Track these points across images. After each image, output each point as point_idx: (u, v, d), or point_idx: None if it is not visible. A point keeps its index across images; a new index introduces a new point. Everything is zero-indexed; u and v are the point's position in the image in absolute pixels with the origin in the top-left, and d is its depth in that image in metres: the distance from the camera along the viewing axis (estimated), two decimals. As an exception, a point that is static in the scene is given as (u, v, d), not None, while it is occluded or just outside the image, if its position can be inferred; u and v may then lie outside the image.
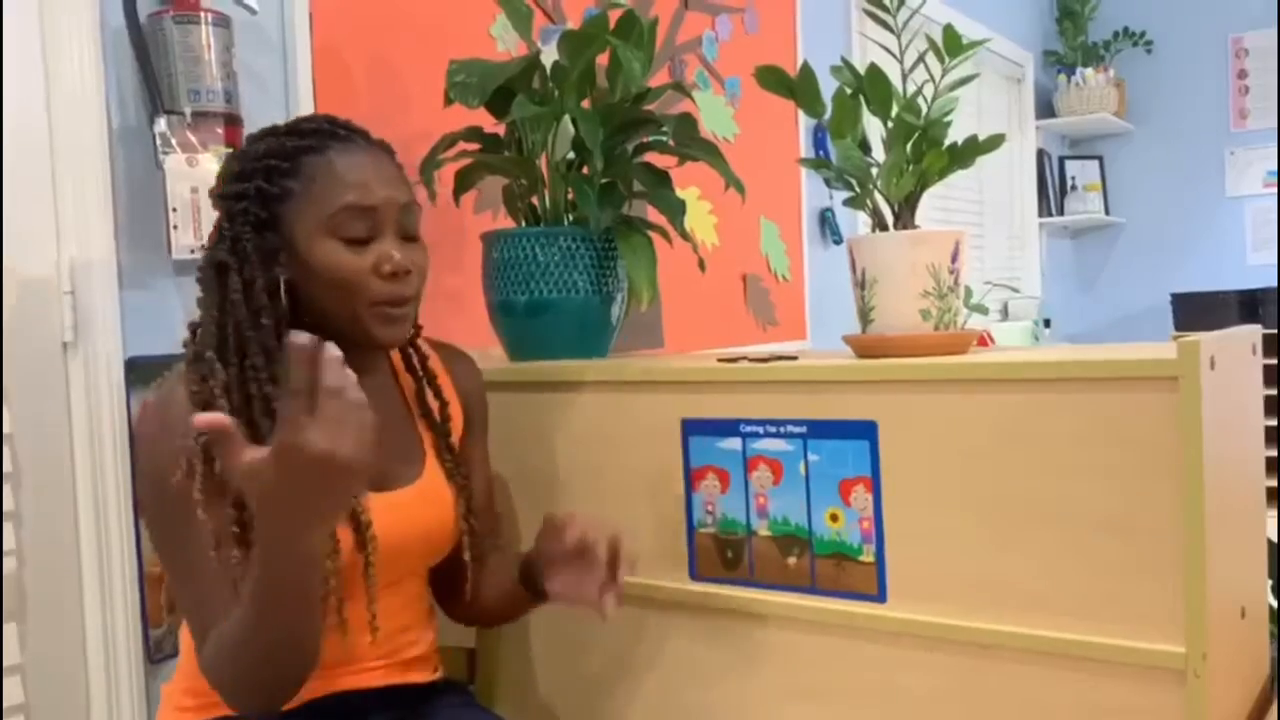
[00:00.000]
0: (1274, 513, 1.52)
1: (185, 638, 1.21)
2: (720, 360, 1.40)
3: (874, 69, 1.37)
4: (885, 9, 1.37)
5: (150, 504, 1.11)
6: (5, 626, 1.41)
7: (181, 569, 1.09)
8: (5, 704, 1.41)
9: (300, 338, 0.87)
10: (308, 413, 0.87)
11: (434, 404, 1.31)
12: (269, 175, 1.14)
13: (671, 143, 1.66)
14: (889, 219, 1.37)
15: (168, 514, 1.08)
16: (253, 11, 1.63)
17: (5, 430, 1.42)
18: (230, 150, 1.29)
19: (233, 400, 1.09)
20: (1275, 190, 4.93)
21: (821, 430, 1.28)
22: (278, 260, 1.15)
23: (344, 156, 1.16)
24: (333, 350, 0.88)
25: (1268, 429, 1.37)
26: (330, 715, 1.18)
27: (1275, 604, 1.41)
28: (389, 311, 1.17)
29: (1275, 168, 4.93)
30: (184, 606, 1.11)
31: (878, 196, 1.38)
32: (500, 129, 1.66)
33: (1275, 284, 4.44)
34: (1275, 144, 4.89)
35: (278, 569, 0.95)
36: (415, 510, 1.22)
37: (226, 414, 0.96)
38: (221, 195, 1.17)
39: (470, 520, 1.29)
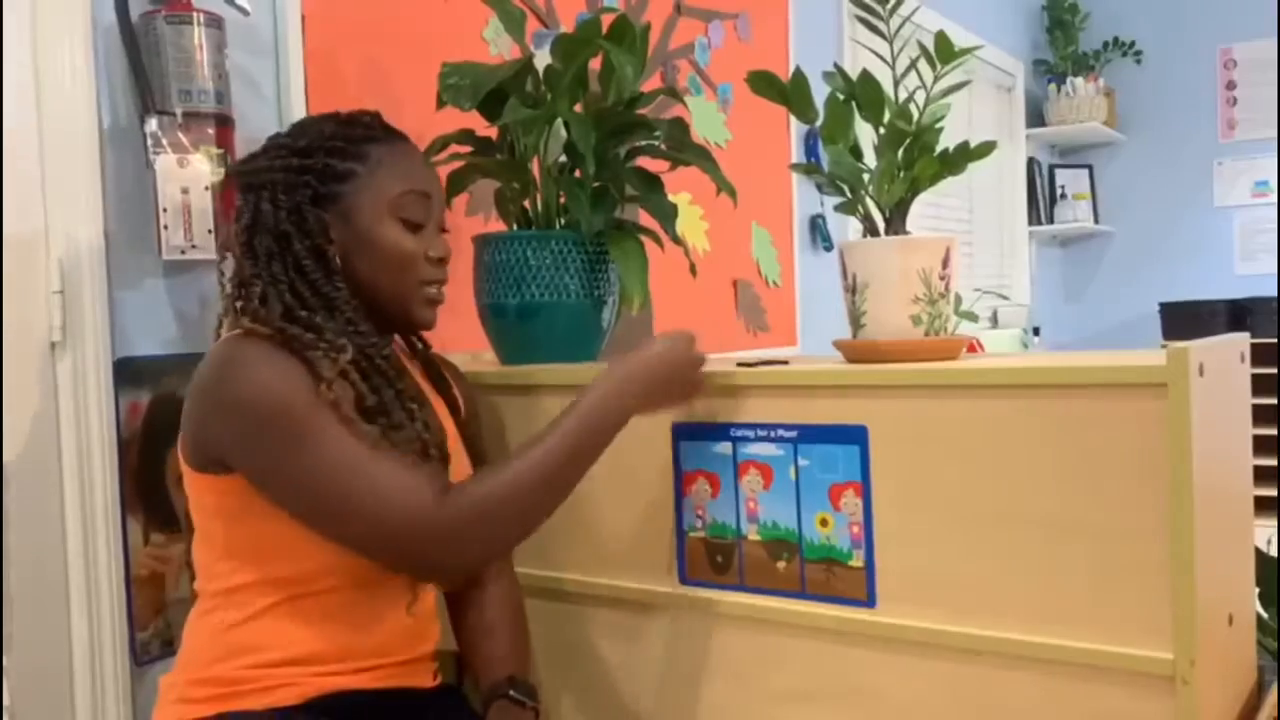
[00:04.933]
0: (1263, 521, 1.52)
1: (195, 625, 1.21)
2: (740, 365, 1.40)
3: (866, 75, 1.38)
4: (878, 14, 1.38)
5: (283, 430, 1.10)
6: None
7: (357, 470, 1.10)
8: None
9: None
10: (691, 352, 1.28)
11: (445, 381, 1.38)
12: (335, 154, 1.23)
13: (664, 147, 1.66)
14: (880, 225, 1.37)
15: (315, 430, 1.10)
16: (245, 12, 1.63)
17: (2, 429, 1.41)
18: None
19: (349, 353, 1.15)
20: (1263, 201, 4.95)
21: (812, 435, 1.28)
22: (331, 233, 1.22)
23: (404, 148, 1.30)
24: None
25: (1256, 437, 1.38)
26: (328, 714, 1.18)
27: (1266, 614, 1.42)
28: (432, 293, 1.29)
29: (1263, 179, 4.95)
30: (374, 498, 1.10)
31: (869, 202, 1.38)
32: (493, 132, 1.66)
33: (1263, 295, 4.46)
34: (1262, 155, 4.91)
35: (599, 424, 1.20)
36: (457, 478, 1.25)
37: (350, 357, 1.14)
38: (280, 168, 1.22)
39: None
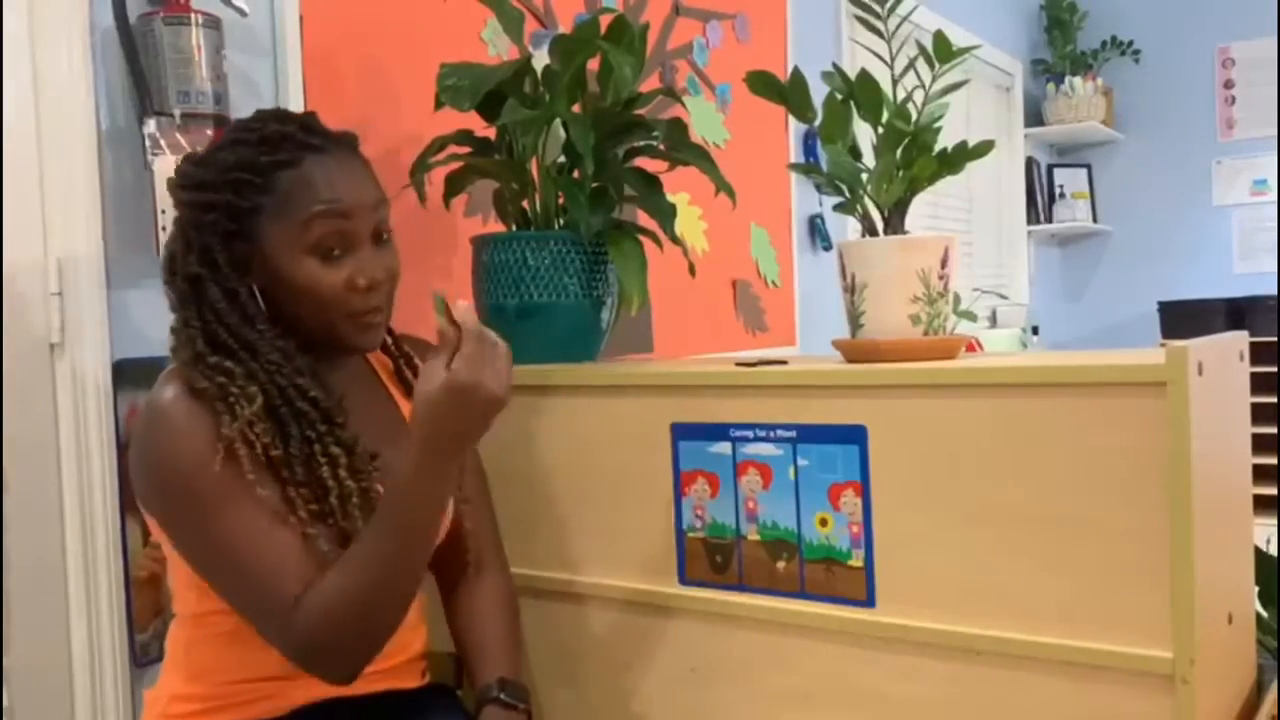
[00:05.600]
0: (1266, 520, 1.52)
1: (177, 641, 1.21)
2: (738, 364, 1.39)
3: (865, 75, 1.38)
4: (876, 14, 1.38)
5: (183, 500, 1.09)
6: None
7: (240, 551, 1.08)
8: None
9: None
10: (461, 357, 1.01)
11: (413, 380, 1.31)
12: (239, 189, 1.13)
13: (662, 147, 1.66)
14: (879, 224, 1.37)
15: (211, 504, 1.07)
16: (243, 13, 1.63)
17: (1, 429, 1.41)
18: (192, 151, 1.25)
19: (265, 391, 1.11)
20: (1261, 200, 4.95)
21: (811, 435, 1.28)
22: (249, 268, 1.16)
23: (318, 169, 1.15)
24: (461, 302, 1.04)
25: (1255, 436, 1.38)
26: None
27: (1265, 613, 1.42)
28: (365, 320, 1.19)
29: (1261, 177, 4.95)
30: (251, 585, 1.09)
31: (868, 202, 1.38)
32: (491, 133, 1.66)
33: (1261, 293, 4.46)
34: (1260, 154, 4.92)
35: (423, 496, 1.06)
36: None
37: (260, 406, 1.08)
38: (187, 203, 1.16)
39: (459, 490, 1.30)
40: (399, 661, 1.25)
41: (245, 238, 1.15)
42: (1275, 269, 4.61)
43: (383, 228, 1.20)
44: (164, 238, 1.51)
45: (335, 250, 1.15)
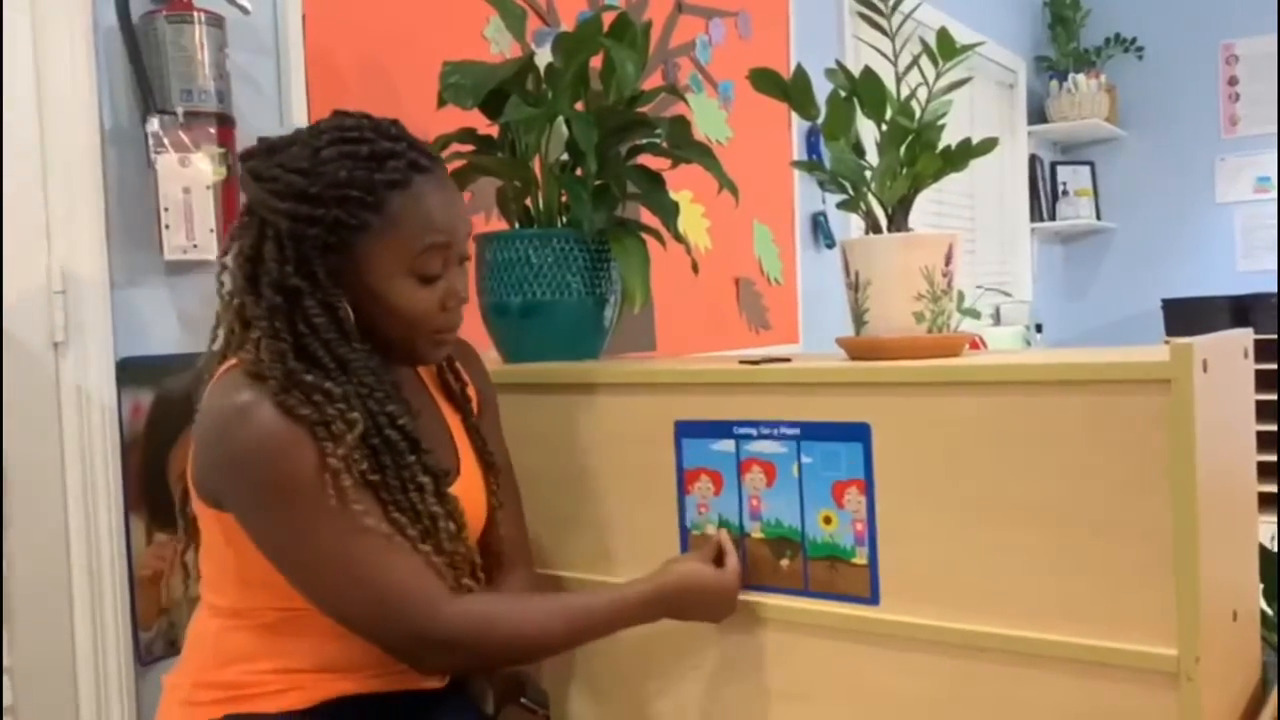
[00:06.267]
0: (1268, 517, 1.52)
1: (206, 629, 1.20)
2: (742, 362, 1.39)
3: (868, 72, 1.37)
4: (879, 11, 1.38)
5: (305, 509, 1.08)
6: (-6, 628, 1.40)
7: (352, 558, 1.09)
8: (-7, 706, 1.40)
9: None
10: (733, 571, 1.30)
11: (455, 385, 1.34)
12: (348, 205, 1.12)
13: (665, 145, 1.66)
14: (882, 222, 1.37)
15: (315, 516, 1.08)
16: (246, 11, 1.63)
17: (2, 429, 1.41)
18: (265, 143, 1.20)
19: (361, 418, 1.11)
20: (1265, 196, 4.94)
21: (815, 432, 1.28)
22: (341, 281, 1.14)
23: (428, 193, 1.16)
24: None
25: (1259, 433, 1.38)
26: (334, 719, 1.18)
27: (1269, 610, 1.41)
28: (443, 337, 1.21)
29: (1264, 174, 4.94)
30: (385, 585, 1.10)
31: (871, 199, 1.38)
32: (494, 131, 1.66)
33: (1265, 290, 4.45)
34: (1263, 151, 4.91)
35: (625, 624, 1.23)
36: (468, 498, 1.24)
37: (358, 432, 1.09)
38: (288, 213, 1.12)
39: (496, 495, 1.32)
40: None
41: (341, 251, 1.13)
42: (1277, 266, 4.60)
43: (466, 251, 1.23)
44: (167, 236, 1.52)
45: (437, 274, 1.17)
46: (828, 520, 1.28)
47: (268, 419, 1.07)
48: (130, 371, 1.54)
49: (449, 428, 1.30)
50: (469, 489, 1.26)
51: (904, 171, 1.35)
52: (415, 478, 1.15)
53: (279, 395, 1.08)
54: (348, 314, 1.14)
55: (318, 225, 1.11)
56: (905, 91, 1.37)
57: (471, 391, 1.36)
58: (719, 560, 1.32)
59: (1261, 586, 1.40)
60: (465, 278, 1.23)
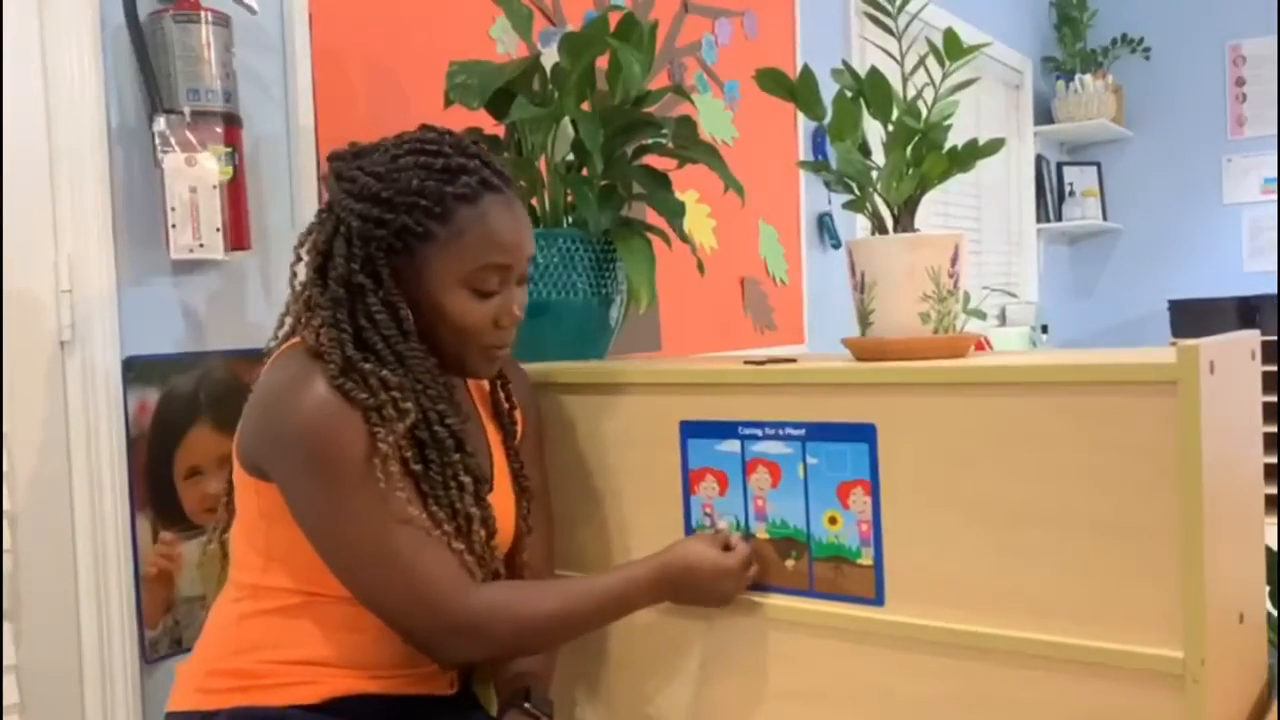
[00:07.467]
0: (1272, 519, 1.51)
1: (228, 613, 1.22)
2: (747, 362, 1.39)
3: (875, 72, 1.37)
4: (886, 11, 1.37)
5: (350, 486, 1.11)
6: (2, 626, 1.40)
7: (388, 543, 1.12)
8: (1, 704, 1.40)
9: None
10: (738, 556, 1.29)
11: (505, 406, 1.36)
12: (416, 213, 1.16)
13: (671, 145, 1.66)
14: (889, 222, 1.37)
15: (359, 497, 1.11)
16: (252, 11, 1.63)
17: (2, 429, 1.41)
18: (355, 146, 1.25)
19: (414, 410, 1.14)
20: (1271, 197, 4.93)
21: (820, 433, 1.28)
22: (404, 286, 1.18)
23: (495, 212, 1.20)
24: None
25: (1266, 435, 1.37)
26: (343, 715, 1.18)
27: (1275, 611, 1.41)
28: (495, 353, 1.24)
29: (1271, 175, 4.93)
30: (415, 570, 1.13)
31: (877, 200, 1.38)
32: (500, 130, 1.66)
33: (1271, 292, 4.44)
34: (1272, 151, 4.89)
35: (630, 608, 1.26)
36: (497, 515, 1.26)
37: (409, 421, 1.13)
38: (360, 214, 1.16)
39: (526, 520, 1.34)
40: (433, 668, 1.26)
41: (405, 255, 1.18)
42: (1277, 267, 4.59)
43: (526, 272, 1.26)
44: (173, 234, 1.52)
45: (493, 290, 1.21)
46: (833, 521, 1.28)
47: (324, 393, 1.11)
48: (136, 370, 1.54)
49: (489, 444, 1.32)
50: (499, 507, 1.27)
51: (910, 172, 1.35)
52: (457, 476, 1.18)
53: (336, 378, 1.12)
54: (408, 315, 1.18)
55: (385, 228, 1.16)
56: (911, 92, 1.36)
57: (518, 415, 1.38)
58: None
59: (1268, 589, 1.40)
60: (524, 297, 1.25)
